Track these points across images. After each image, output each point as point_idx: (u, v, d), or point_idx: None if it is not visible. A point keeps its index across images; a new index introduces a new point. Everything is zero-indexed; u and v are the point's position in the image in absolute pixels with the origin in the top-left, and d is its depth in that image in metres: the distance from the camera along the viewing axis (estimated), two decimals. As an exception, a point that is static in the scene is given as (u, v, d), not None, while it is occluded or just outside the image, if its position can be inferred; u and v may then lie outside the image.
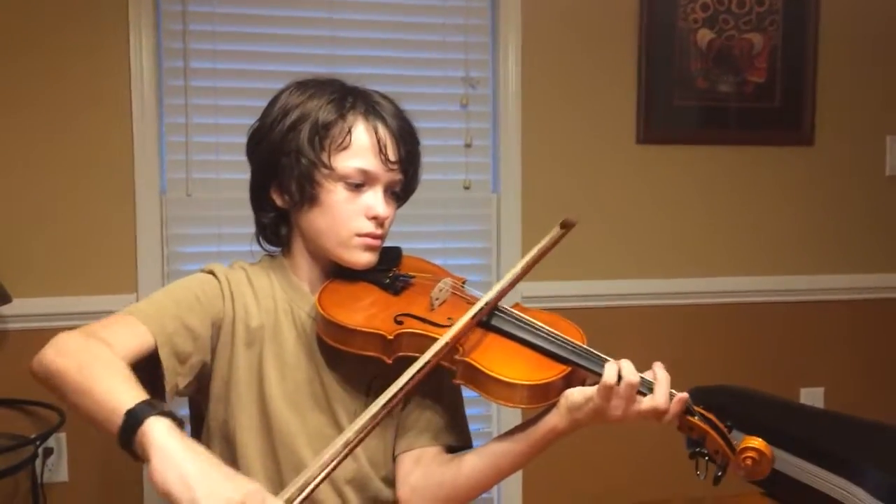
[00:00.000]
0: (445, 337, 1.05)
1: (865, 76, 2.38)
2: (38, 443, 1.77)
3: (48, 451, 1.89)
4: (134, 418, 0.87)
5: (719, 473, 1.06)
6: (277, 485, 1.15)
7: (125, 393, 0.92)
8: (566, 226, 1.20)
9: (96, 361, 0.99)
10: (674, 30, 2.22)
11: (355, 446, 0.99)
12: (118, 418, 0.88)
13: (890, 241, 2.43)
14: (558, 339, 1.11)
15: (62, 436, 1.92)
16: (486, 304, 1.11)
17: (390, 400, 1.00)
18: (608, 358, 1.09)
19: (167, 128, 1.99)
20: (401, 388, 1.00)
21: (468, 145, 2.16)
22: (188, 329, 1.10)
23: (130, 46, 1.92)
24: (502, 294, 1.14)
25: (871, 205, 2.41)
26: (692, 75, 2.24)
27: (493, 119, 2.17)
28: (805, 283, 2.37)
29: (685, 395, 1.07)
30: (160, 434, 0.86)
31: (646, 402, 1.04)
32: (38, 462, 1.83)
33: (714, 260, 2.31)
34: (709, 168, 2.30)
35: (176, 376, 1.09)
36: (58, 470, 1.93)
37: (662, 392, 1.05)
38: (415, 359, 1.08)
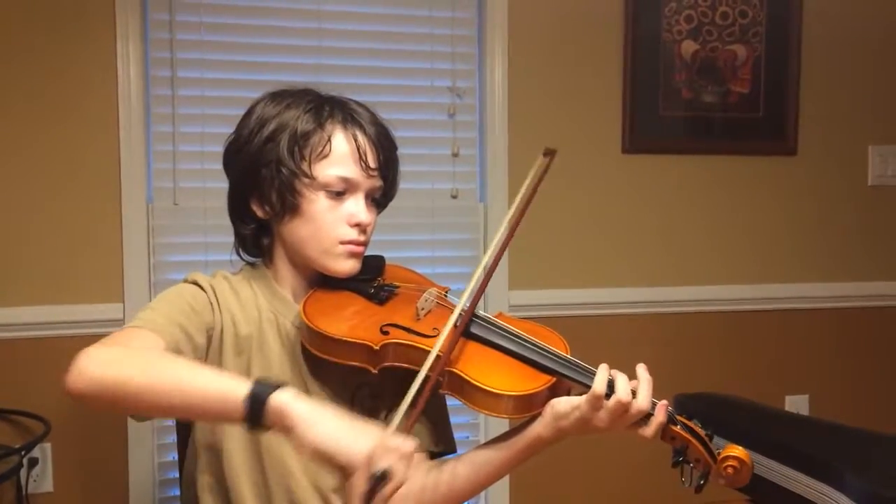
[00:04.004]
0: (439, 343, 1.05)
1: (848, 87, 2.40)
2: (23, 453, 1.76)
3: (33, 462, 1.88)
4: (258, 399, 0.93)
5: (701, 482, 1.08)
6: (264, 496, 1.15)
7: (221, 379, 0.98)
8: (549, 153, 1.23)
9: (154, 359, 1.01)
10: (658, 41, 2.24)
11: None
12: (236, 402, 0.93)
13: (873, 249, 2.45)
14: (543, 350, 1.12)
15: (47, 446, 1.91)
16: (486, 270, 1.13)
17: (403, 420, 1.01)
18: (592, 368, 1.10)
19: (154, 136, 1.98)
20: (409, 406, 1.02)
21: (455, 155, 2.17)
22: (189, 337, 1.10)
23: (117, 55, 1.92)
24: (501, 252, 1.18)
25: (855, 214, 2.43)
26: (677, 86, 2.26)
27: (479, 128, 2.18)
28: (789, 292, 2.39)
29: (665, 402, 1.08)
30: (294, 403, 0.93)
31: (611, 400, 1.05)
32: (23, 472, 1.82)
33: (699, 268, 2.33)
34: (693, 177, 2.31)
35: None
36: (43, 480, 1.92)
37: (644, 395, 1.06)
38: (400, 369, 1.09)
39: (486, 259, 1.19)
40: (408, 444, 0.94)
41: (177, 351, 1.07)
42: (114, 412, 1.02)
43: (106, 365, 0.97)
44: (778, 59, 2.32)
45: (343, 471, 0.92)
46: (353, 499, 0.90)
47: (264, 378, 0.96)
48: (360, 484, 0.90)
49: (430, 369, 1.04)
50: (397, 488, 0.92)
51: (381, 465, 0.90)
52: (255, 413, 0.92)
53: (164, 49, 1.97)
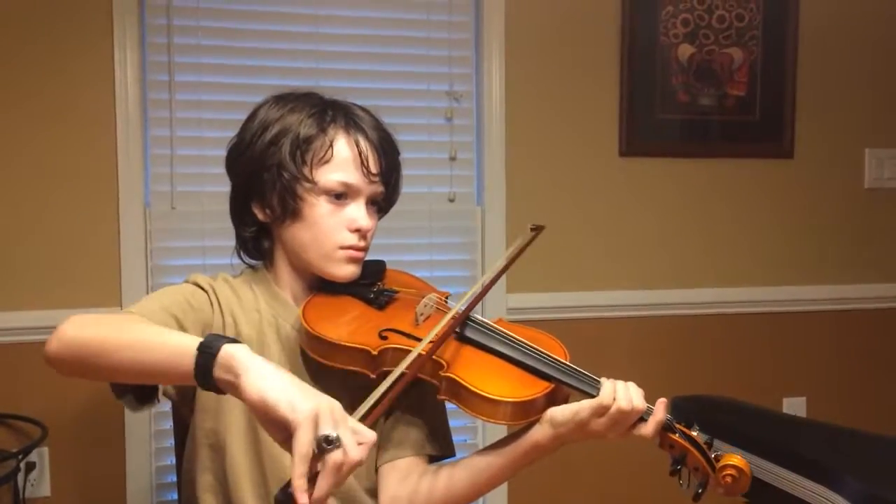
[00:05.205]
0: (423, 343, 1.05)
1: (844, 90, 2.41)
2: (20, 457, 1.76)
3: (30, 466, 1.87)
4: (209, 350, 0.91)
5: (699, 490, 1.08)
6: (263, 496, 1.15)
7: (181, 336, 0.97)
8: (536, 229, 1.23)
9: (131, 323, 1.01)
10: (655, 44, 2.24)
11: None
12: (189, 356, 0.91)
13: (869, 252, 2.46)
14: (542, 356, 1.12)
15: (45, 450, 1.90)
16: (470, 302, 1.12)
17: (370, 410, 0.96)
18: (592, 375, 1.10)
19: (152, 140, 1.98)
20: (378, 399, 0.97)
21: (453, 158, 2.17)
22: (182, 329, 1.10)
23: (115, 59, 1.92)
24: (477, 299, 1.16)
25: (851, 216, 2.44)
26: (673, 89, 2.27)
27: (476, 132, 2.19)
28: (786, 294, 2.39)
29: (664, 400, 1.08)
30: (244, 355, 0.90)
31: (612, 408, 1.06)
32: (21, 476, 1.82)
33: (696, 271, 2.33)
34: (690, 180, 2.32)
35: None
36: (40, 485, 1.92)
37: (637, 395, 1.07)
38: None
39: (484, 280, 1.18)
40: (368, 431, 0.88)
41: None
42: (83, 375, 1.00)
43: (80, 327, 0.99)
44: (774, 62, 2.32)
45: (285, 429, 0.85)
46: (295, 460, 0.82)
47: (220, 335, 0.95)
48: (303, 442, 0.82)
49: (408, 367, 1.03)
50: (350, 466, 0.83)
51: (330, 430, 0.83)
52: (206, 364, 0.90)
53: (162, 53, 1.97)
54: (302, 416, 0.84)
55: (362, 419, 0.93)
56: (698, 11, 2.27)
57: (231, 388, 0.90)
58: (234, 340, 0.93)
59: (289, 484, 0.82)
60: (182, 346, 0.92)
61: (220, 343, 0.91)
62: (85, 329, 0.99)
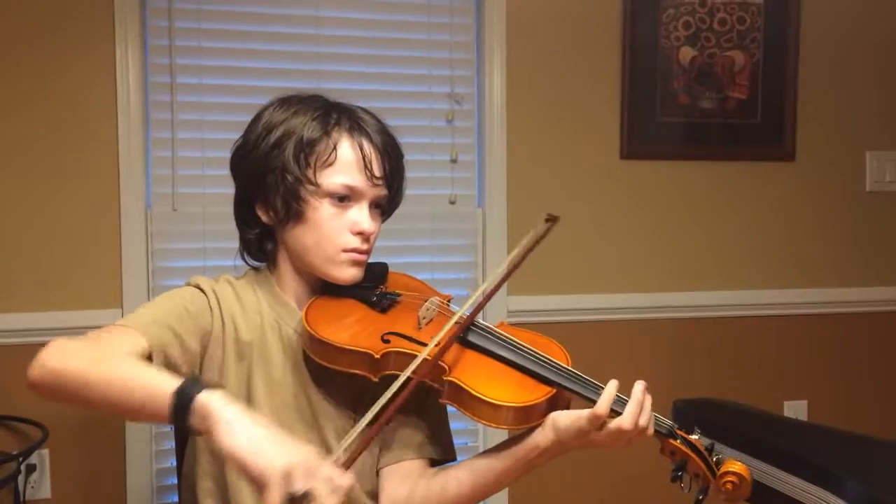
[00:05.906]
0: (428, 347, 1.05)
1: (845, 92, 2.41)
2: (20, 459, 1.76)
3: (31, 468, 1.88)
4: (185, 396, 0.90)
5: (700, 496, 1.08)
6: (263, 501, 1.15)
7: (158, 375, 0.96)
8: (551, 219, 1.22)
9: (111, 355, 1.00)
10: (656, 47, 2.24)
11: (349, 464, 0.98)
12: (164, 399, 0.91)
13: (871, 255, 2.46)
14: (544, 361, 1.11)
15: (45, 452, 1.90)
16: (477, 304, 1.12)
17: (376, 416, 0.99)
18: (594, 381, 1.10)
19: (153, 142, 1.98)
20: (385, 405, 1.00)
21: (454, 160, 2.17)
22: (180, 340, 1.10)
23: (116, 62, 1.92)
24: (485, 300, 1.15)
25: (852, 219, 2.44)
26: (675, 92, 2.27)
27: (477, 135, 2.19)
28: (787, 297, 2.39)
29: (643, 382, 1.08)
30: (219, 406, 0.89)
31: (613, 423, 1.05)
32: (21, 479, 1.82)
33: (697, 274, 2.33)
34: (692, 183, 2.32)
35: None
36: (40, 487, 1.92)
37: (647, 417, 1.06)
38: None
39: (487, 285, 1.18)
40: (342, 477, 0.88)
41: (163, 352, 1.07)
42: (63, 402, 1.01)
43: (60, 356, 0.99)
44: (776, 65, 2.32)
45: (256, 484, 0.86)
46: None
47: (200, 377, 0.95)
48: (272, 501, 0.83)
49: (414, 371, 1.03)
50: None
51: (301, 486, 0.83)
52: (181, 409, 0.90)
53: (164, 55, 1.97)
54: (270, 474, 0.84)
55: (369, 425, 0.95)
56: (699, 14, 2.27)
57: (206, 435, 0.91)
58: (214, 385, 0.93)
59: None
60: (159, 389, 0.92)
61: (197, 389, 0.91)
62: (64, 359, 0.99)
